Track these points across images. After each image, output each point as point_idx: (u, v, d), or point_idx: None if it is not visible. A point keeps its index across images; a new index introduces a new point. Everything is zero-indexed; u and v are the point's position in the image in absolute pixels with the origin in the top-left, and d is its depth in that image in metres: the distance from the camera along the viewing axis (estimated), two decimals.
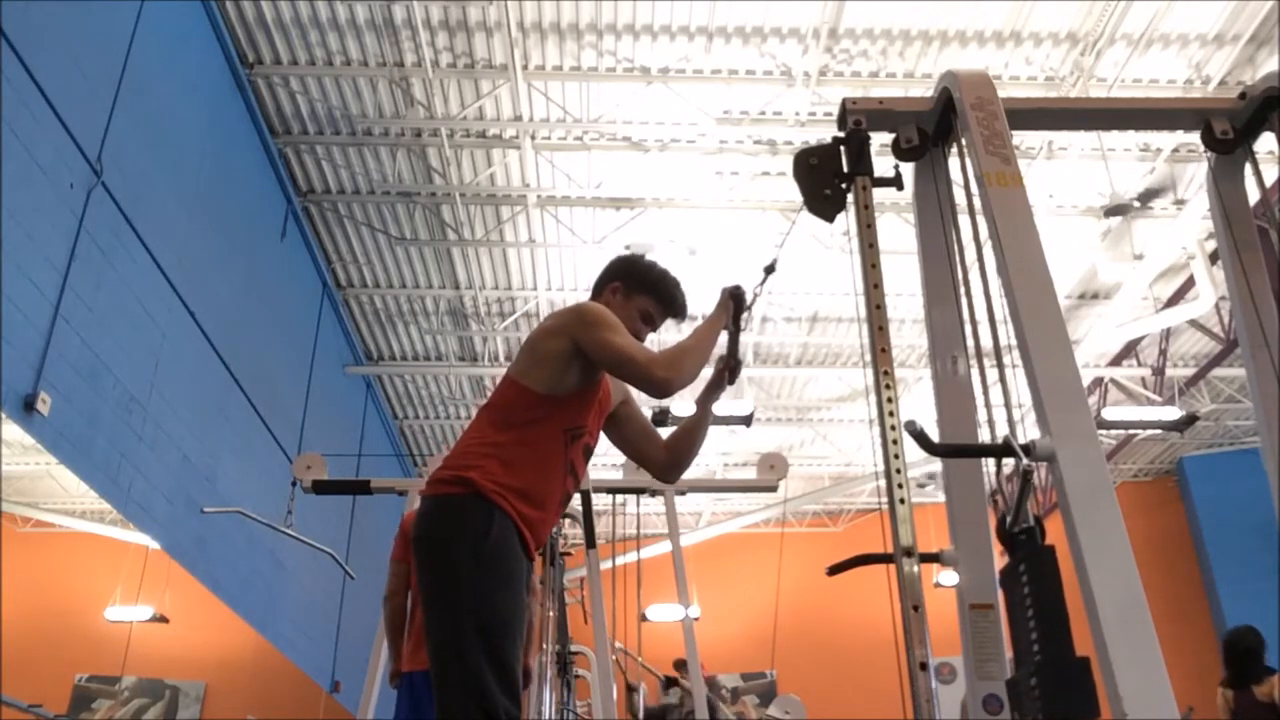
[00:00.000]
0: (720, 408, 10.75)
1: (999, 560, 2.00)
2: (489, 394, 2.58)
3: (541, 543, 2.46)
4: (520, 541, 2.33)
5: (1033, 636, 1.72)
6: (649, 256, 2.78)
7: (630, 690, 7.80)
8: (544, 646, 4.87)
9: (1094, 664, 1.59)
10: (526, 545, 2.36)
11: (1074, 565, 1.66)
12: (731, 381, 2.62)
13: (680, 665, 8.01)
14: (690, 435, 2.66)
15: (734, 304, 2.57)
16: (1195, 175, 8.46)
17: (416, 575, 2.34)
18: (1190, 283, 9.17)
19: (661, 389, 2.32)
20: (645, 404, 12.55)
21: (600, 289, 2.66)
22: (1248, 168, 2.40)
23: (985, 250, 2.13)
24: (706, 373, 2.61)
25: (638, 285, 2.62)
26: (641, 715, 7.45)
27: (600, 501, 6.82)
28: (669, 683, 7.67)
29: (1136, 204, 8.48)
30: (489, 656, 2.16)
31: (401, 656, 3.70)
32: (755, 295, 2.60)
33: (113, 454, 5.65)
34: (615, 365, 2.36)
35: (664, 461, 2.67)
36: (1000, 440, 1.85)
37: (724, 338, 2.62)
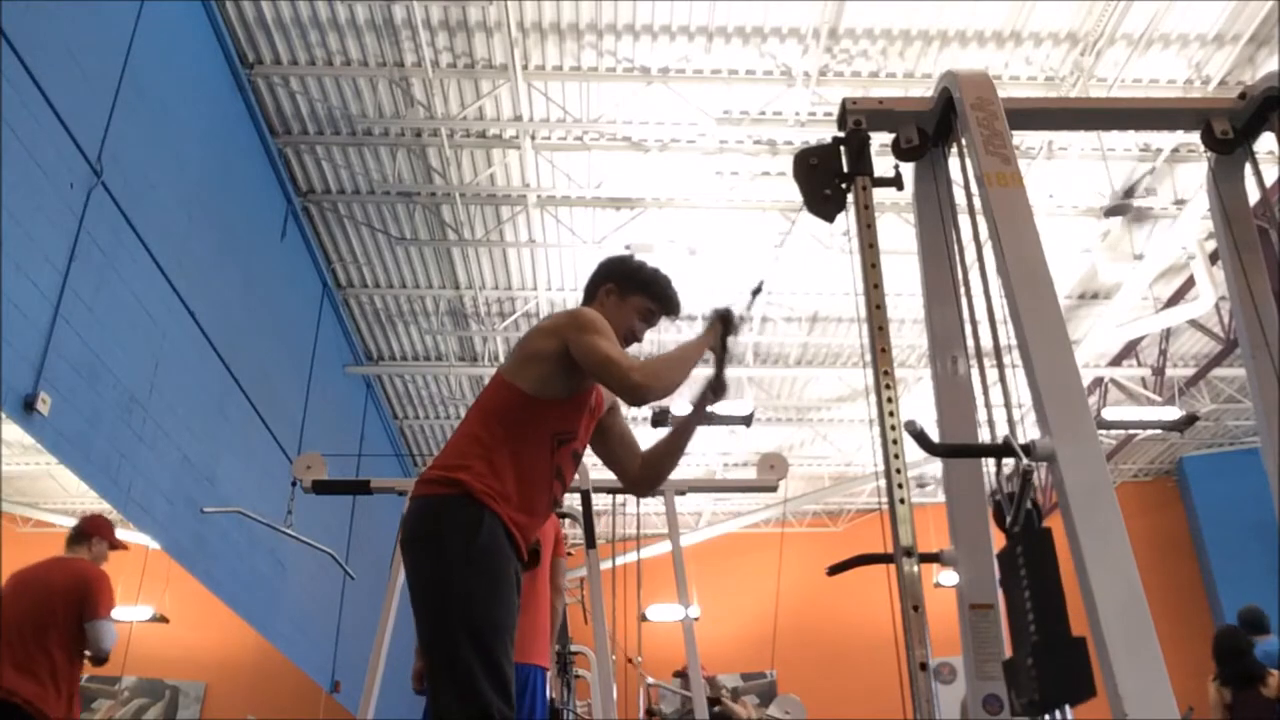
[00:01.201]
0: (720, 408, 10.77)
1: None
2: None
3: (529, 544, 2.46)
4: (510, 542, 2.33)
5: (1029, 618, 1.73)
6: (637, 256, 2.79)
7: (651, 716, 7.78)
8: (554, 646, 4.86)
9: (1095, 664, 1.59)
10: (517, 546, 2.36)
11: (1074, 565, 1.67)
12: (715, 400, 2.61)
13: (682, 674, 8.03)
14: (668, 450, 2.68)
15: (722, 325, 2.56)
16: (1195, 175, 8.46)
17: (406, 576, 2.33)
18: (1190, 283, 9.17)
19: (637, 394, 2.32)
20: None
21: (593, 292, 2.66)
22: (1248, 168, 2.40)
23: (985, 250, 2.13)
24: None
25: (631, 285, 2.64)
26: None
27: (600, 501, 6.80)
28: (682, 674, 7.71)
29: (1135, 204, 8.48)
30: (480, 657, 2.16)
31: None
32: (743, 317, 2.59)
33: (113, 454, 5.65)
34: (597, 367, 2.35)
35: (638, 474, 2.69)
36: (1000, 440, 1.85)
37: (711, 358, 2.61)
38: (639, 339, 2.67)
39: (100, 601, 4.37)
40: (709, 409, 2.63)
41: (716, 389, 2.61)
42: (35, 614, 4.29)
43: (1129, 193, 8.54)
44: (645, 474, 2.69)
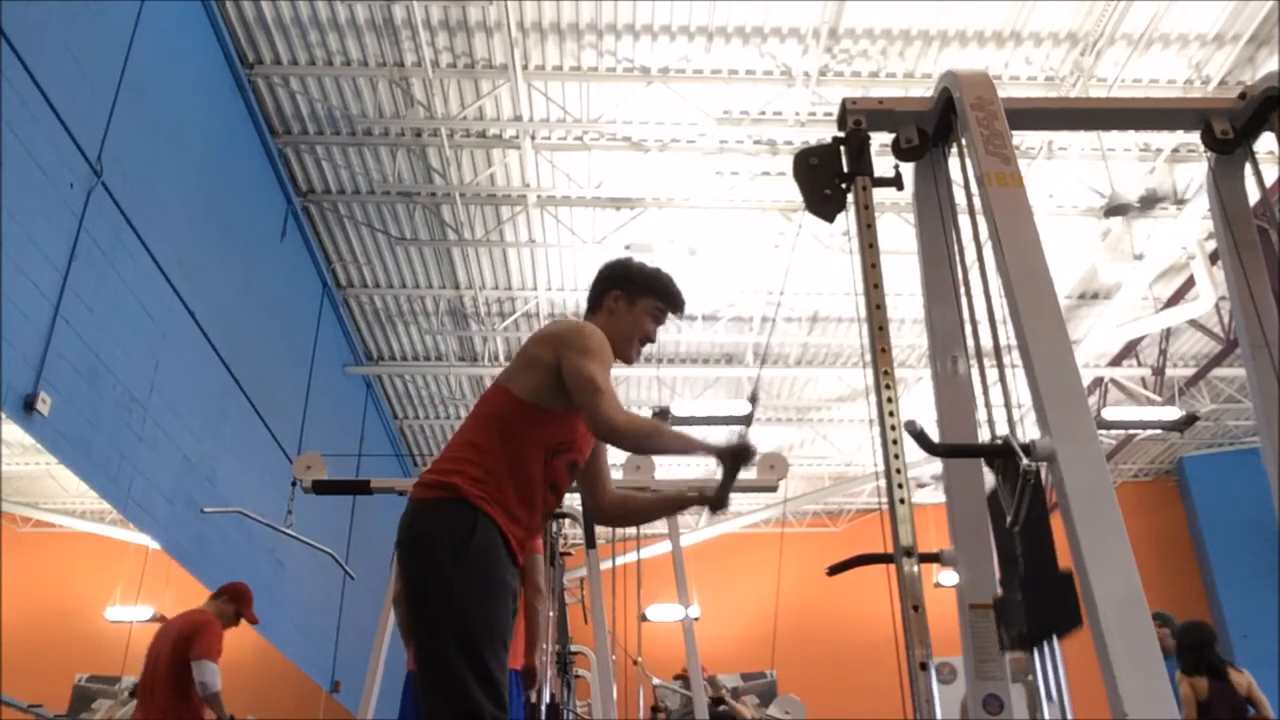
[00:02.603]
0: (720, 408, 10.78)
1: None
2: None
3: (525, 550, 2.45)
4: (505, 545, 2.33)
5: (1018, 554, 1.77)
6: (636, 257, 2.79)
7: (656, 711, 7.78)
8: (544, 646, 4.86)
9: (1094, 663, 1.60)
10: (511, 549, 2.36)
11: (1074, 565, 1.67)
12: (712, 511, 2.61)
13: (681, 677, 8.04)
14: (642, 509, 2.73)
15: (736, 455, 2.43)
16: (1195, 175, 8.46)
17: (401, 579, 2.34)
18: (1190, 283, 9.17)
19: (608, 430, 2.29)
20: (647, 404, 12.47)
21: (600, 300, 2.65)
22: (1248, 168, 2.40)
23: (985, 250, 2.13)
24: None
25: (639, 289, 2.63)
26: None
27: None
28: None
29: (1136, 204, 8.47)
30: (471, 661, 2.16)
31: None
32: (744, 439, 2.45)
33: (113, 454, 5.64)
34: (581, 387, 2.32)
35: (607, 508, 2.71)
36: (1000, 440, 1.85)
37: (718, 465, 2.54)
38: (653, 339, 2.67)
39: (201, 643, 5.01)
40: (693, 507, 2.65)
41: (714, 505, 2.58)
42: (154, 657, 5.06)
43: (1146, 202, 8.53)
44: (611, 514, 2.73)
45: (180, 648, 5.00)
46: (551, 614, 5.02)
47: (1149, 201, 8.49)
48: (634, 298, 2.62)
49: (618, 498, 2.72)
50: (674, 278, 2.70)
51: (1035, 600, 1.74)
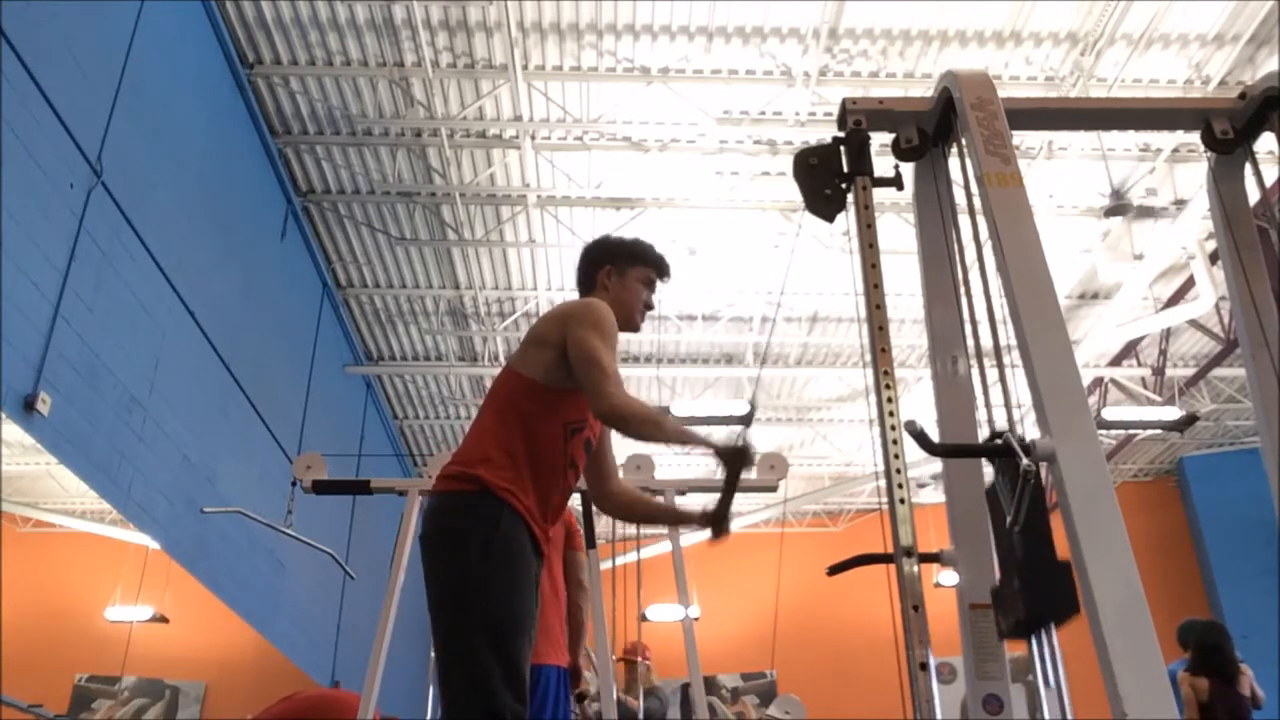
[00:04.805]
0: (720, 408, 10.77)
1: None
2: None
3: (548, 538, 2.46)
4: (530, 538, 2.32)
5: (1016, 546, 1.79)
6: (615, 234, 2.81)
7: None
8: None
9: (1094, 663, 1.60)
10: (536, 541, 2.35)
11: (1074, 565, 1.67)
12: (713, 535, 2.53)
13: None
14: (647, 512, 2.77)
15: (738, 457, 2.35)
16: (1195, 175, 8.46)
17: (425, 573, 2.33)
18: (1190, 283, 9.17)
19: (606, 406, 2.27)
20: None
21: (592, 278, 2.67)
22: (1248, 168, 2.40)
23: (985, 250, 2.13)
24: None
25: (628, 259, 2.67)
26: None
27: None
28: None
29: (1135, 204, 8.47)
30: (496, 654, 2.15)
31: None
32: (745, 441, 2.37)
33: (113, 454, 5.64)
34: (584, 362, 2.32)
35: (612, 496, 2.70)
36: (1000, 440, 1.85)
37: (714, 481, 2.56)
38: (651, 306, 2.69)
39: None
40: (693, 525, 2.63)
41: (715, 523, 2.54)
42: None
43: (1129, 193, 8.53)
44: (615, 505, 2.71)
45: None
46: None
47: (1120, 195, 8.45)
48: (624, 268, 2.65)
49: (624, 491, 2.71)
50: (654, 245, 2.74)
51: (1032, 588, 1.75)
